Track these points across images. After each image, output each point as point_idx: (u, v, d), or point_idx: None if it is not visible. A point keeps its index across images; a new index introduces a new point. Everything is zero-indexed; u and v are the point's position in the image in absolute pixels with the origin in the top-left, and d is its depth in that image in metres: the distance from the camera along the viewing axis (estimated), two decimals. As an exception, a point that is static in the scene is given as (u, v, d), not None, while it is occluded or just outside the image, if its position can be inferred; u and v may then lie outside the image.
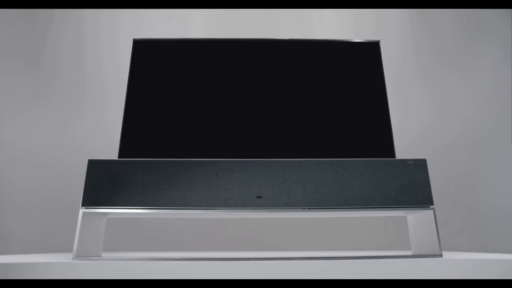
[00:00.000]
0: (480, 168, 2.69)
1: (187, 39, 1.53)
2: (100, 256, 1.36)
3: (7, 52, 2.86)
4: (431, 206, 1.26)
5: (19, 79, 2.86)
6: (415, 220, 1.39)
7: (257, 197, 1.25)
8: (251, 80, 1.49)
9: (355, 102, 1.47)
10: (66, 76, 2.90)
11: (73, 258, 1.20)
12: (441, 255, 1.21)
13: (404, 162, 1.30)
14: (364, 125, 1.44)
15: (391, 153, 1.40)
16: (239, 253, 1.85)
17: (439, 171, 2.66)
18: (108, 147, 2.60)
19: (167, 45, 1.50)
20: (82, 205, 1.24)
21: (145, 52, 1.49)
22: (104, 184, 1.26)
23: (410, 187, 1.27)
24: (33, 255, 1.73)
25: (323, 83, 1.50)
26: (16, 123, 2.76)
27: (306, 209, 1.25)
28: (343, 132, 1.43)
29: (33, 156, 2.70)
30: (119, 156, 1.35)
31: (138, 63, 1.48)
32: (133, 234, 2.36)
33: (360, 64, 1.52)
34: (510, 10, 2.85)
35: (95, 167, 1.28)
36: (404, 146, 2.66)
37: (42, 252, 2.36)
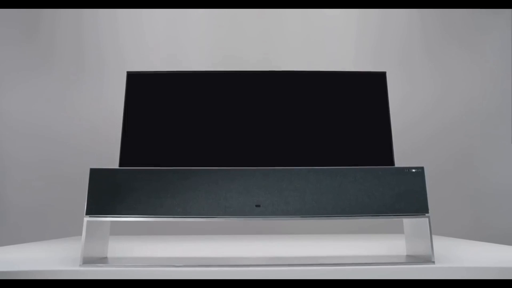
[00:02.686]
0: (482, 146, 2.70)
1: (185, 72, 1.54)
2: (106, 257, 1.42)
3: (4, 21, 2.80)
4: (426, 214, 1.29)
5: (16, 48, 2.82)
6: (410, 223, 1.42)
7: (256, 205, 1.28)
8: (254, 96, 1.48)
9: (356, 113, 1.46)
10: (65, 45, 2.85)
11: (80, 265, 1.25)
12: (433, 262, 1.25)
13: (401, 170, 1.32)
14: (364, 135, 1.44)
15: (391, 162, 1.41)
16: (241, 241, 1.93)
17: (442, 149, 2.68)
18: (107, 118, 2.61)
19: (165, 77, 1.48)
20: (86, 214, 1.28)
21: (142, 80, 1.47)
22: (106, 193, 1.29)
23: (407, 195, 1.29)
24: (36, 246, 1.80)
25: (324, 99, 1.48)
26: (14, 93, 2.75)
27: (304, 217, 1.28)
28: (343, 142, 1.44)
29: (32, 128, 2.72)
30: (120, 165, 1.37)
31: (136, 86, 1.47)
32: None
33: (364, 86, 1.49)
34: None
35: (97, 175, 1.30)
36: (407, 124, 2.66)
37: (44, 232, 2.44)
